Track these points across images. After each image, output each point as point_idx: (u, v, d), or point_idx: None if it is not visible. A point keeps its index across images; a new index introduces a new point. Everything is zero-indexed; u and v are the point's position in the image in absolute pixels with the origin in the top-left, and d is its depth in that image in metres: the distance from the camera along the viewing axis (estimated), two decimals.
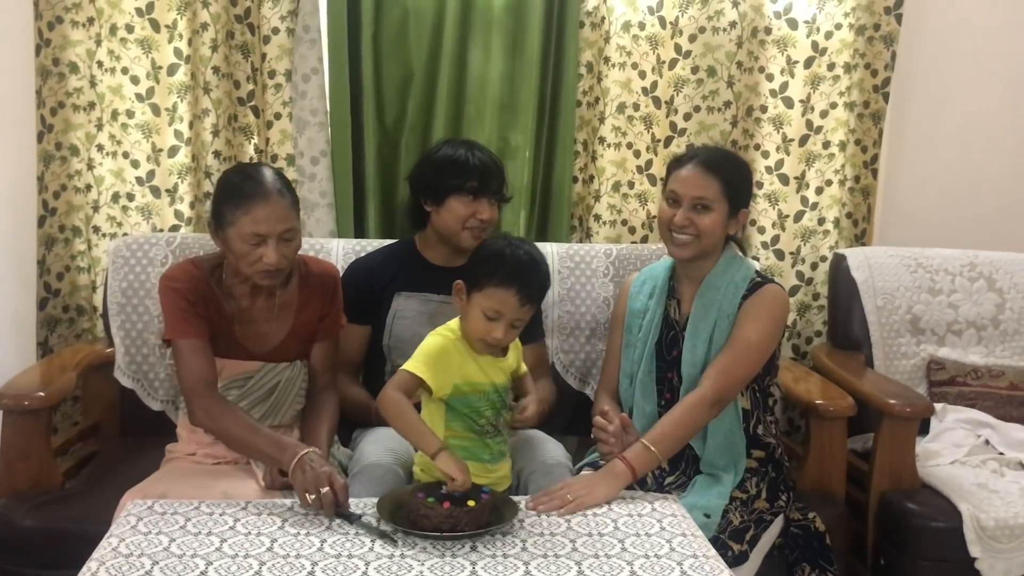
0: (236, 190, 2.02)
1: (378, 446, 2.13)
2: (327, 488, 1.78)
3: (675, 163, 2.20)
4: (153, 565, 1.56)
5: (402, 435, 1.88)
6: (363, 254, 2.60)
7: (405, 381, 1.85)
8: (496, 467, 1.93)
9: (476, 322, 1.86)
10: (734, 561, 1.96)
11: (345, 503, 1.79)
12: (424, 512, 1.69)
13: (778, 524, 2.12)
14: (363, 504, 1.82)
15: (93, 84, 2.77)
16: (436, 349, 1.86)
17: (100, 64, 2.76)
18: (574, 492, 1.88)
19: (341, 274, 2.34)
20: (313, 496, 1.78)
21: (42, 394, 2.22)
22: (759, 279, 2.16)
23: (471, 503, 1.70)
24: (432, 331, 1.93)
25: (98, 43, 2.75)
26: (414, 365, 1.85)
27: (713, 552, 1.67)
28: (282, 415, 2.17)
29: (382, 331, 2.37)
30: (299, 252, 2.12)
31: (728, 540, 1.99)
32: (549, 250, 2.76)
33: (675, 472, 2.16)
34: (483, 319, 1.85)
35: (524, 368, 2.09)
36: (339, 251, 2.68)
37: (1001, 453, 2.57)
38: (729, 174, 2.14)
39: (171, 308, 2.06)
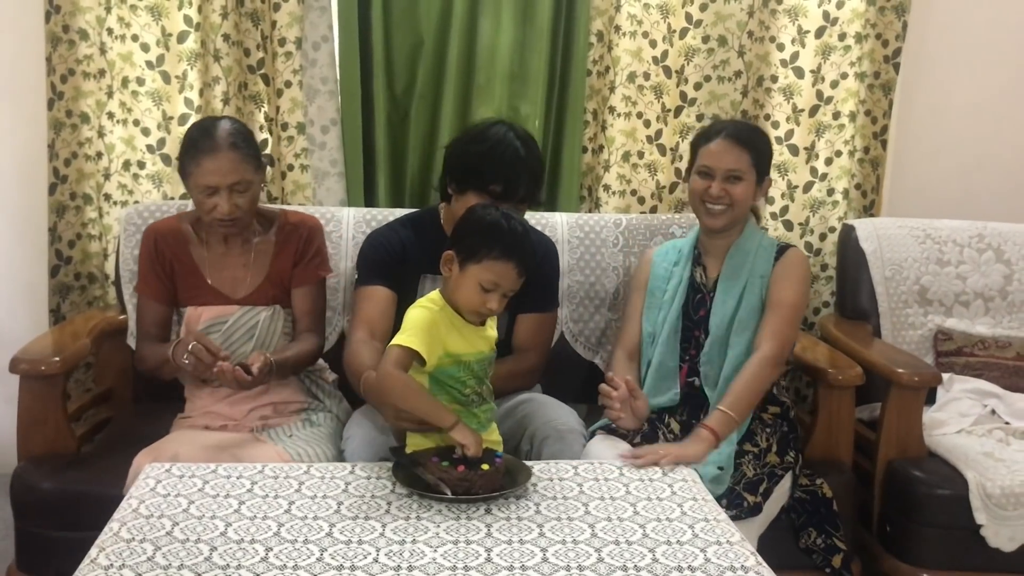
0: (192, 143, 2.16)
1: (371, 411, 2.15)
2: (191, 345, 2.03)
3: (703, 138, 2.32)
4: (173, 526, 1.59)
5: (414, 412, 1.83)
6: (373, 223, 2.61)
7: (401, 356, 1.78)
8: (485, 435, 1.90)
9: (471, 293, 1.83)
10: (749, 512, 2.02)
11: (208, 343, 2.05)
12: (439, 476, 1.71)
13: (788, 480, 2.17)
14: (375, 468, 1.85)
15: (103, 51, 2.77)
16: (425, 321, 1.81)
17: (110, 31, 2.76)
18: (666, 448, 1.97)
19: (356, 239, 2.40)
20: (188, 357, 2.03)
21: (57, 360, 2.24)
22: (782, 243, 2.32)
23: (485, 467, 1.72)
24: (413, 304, 1.89)
25: (108, 10, 2.74)
26: (407, 339, 1.79)
27: (724, 516, 1.70)
28: None
29: (404, 301, 2.30)
30: (290, 208, 2.27)
31: (743, 492, 2.04)
32: (559, 220, 2.77)
33: (686, 435, 2.19)
34: (478, 291, 1.82)
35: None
36: (349, 220, 2.69)
37: (1007, 423, 2.59)
38: (757, 145, 2.29)
39: (141, 263, 2.32)
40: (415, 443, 1.88)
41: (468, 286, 1.83)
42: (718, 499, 1.92)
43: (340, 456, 2.12)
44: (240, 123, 2.25)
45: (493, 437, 1.96)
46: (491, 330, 1.94)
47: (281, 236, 2.31)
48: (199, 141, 2.15)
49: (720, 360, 2.23)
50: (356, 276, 2.36)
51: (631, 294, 2.47)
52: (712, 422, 2.07)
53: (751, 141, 2.28)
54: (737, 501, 2.01)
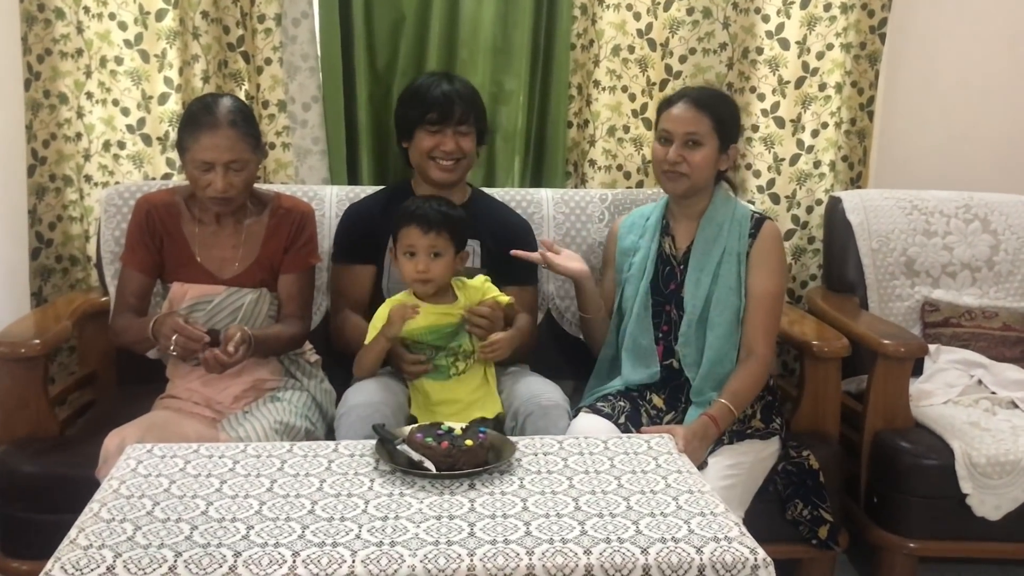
0: (192, 118, 2.16)
1: (364, 388, 2.17)
2: (175, 335, 2.02)
3: (665, 103, 2.26)
4: (154, 506, 1.57)
5: (377, 354, 2.17)
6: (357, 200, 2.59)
7: None
8: (457, 384, 2.17)
9: (404, 267, 2.14)
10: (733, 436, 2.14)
11: (195, 326, 2.05)
12: (423, 452, 1.70)
13: (775, 443, 2.17)
14: (359, 445, 1.83)
15: (80, 30, 2.73)
16: (379, 317, 2.16)
17: (87, 10, 2.72)
18: (683, 441, 1.95)
19: (339, 218, 2.44)
20: (175, 338, 2.03)
21: (37, 342, 2.22)
22: (757, 214, 2.25)
23: (469, 442, 1.71)
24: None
25: None
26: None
27: (708, 487, 1.69)
28: None
29: (382, 273, 2.40)
30: (283, 192, 2.26)
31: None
32: (544, 196, 2.75)
33: (671, 411, 2.19)
34: (406, 261, 2.13)
35: (501, 298, 2.21)
36: (332, 198, 2.67)
37: (993, 392, 2.59)
38: (719, 110, 2.20)
39: (130, 232, 2.29)
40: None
41: (400, 263, 2.16)
42: None
43: (301, 427, 2.16)
44: (241, 102, 2.24)
45: (470, 394, 2.16)
46: (461, 300, 2.17)
47: (274, 220, 2.29)
48: (199, 116, 2.14)
49: (699, 339, 2.19)
50: (333, 250, 2.44)
51: (604, 270, 2.47)
52: (716, 413, 2.07)
53: (712, 105, 2.19)
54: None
